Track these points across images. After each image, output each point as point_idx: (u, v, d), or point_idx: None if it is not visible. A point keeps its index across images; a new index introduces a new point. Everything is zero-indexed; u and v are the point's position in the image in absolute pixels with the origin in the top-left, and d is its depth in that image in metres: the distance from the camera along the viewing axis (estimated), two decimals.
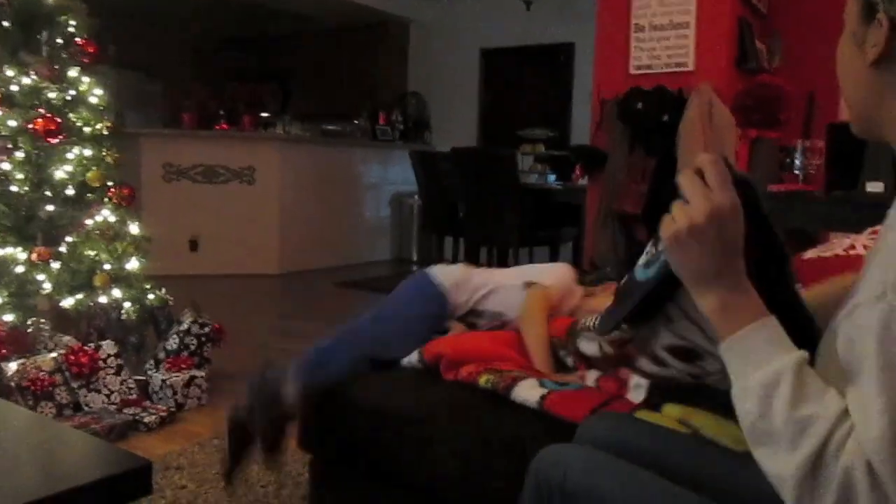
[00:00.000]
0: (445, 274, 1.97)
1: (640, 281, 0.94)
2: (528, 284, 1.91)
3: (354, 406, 1.66)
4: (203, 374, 2.87)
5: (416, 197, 6.52)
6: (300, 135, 7.49)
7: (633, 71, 4.21)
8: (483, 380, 1.58)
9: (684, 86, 3.97)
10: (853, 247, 1.65)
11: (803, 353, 0.74)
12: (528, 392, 1.51)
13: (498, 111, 7.49)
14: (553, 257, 5.23)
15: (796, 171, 2.64)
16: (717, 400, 0.92)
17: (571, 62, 6.97)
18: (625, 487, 0.94)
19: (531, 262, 5.72)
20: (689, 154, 3.78)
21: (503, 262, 5.54)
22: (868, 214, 1.82)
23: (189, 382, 2.80)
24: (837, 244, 1.71)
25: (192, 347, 2.96)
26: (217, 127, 6.71)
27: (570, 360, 1.73)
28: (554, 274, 1.98)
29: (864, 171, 2.36)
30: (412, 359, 1.73)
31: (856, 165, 2.39)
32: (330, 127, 7.86)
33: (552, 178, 6.18)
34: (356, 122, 7.60)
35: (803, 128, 3.63)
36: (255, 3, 7.28)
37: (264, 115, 7.93)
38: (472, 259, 5.51)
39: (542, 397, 1.47)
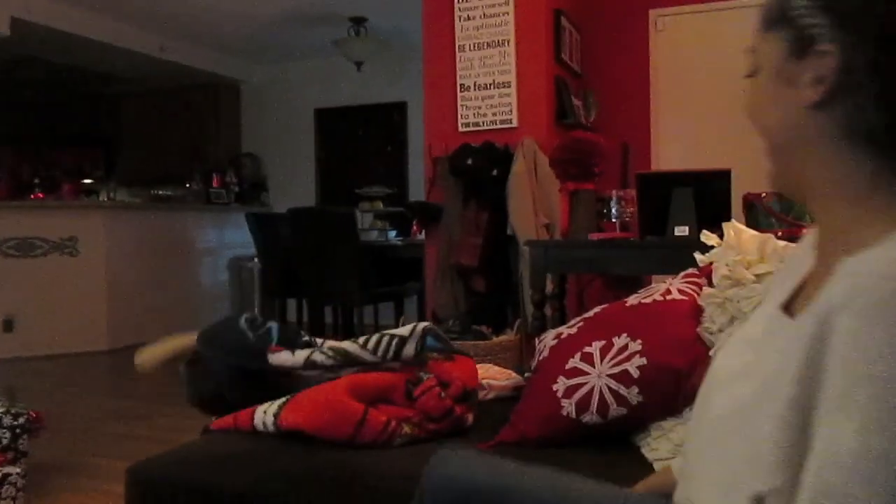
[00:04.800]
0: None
1: None
2: None
3: (187, 488, 1.55)
4: (18, 470, 2.60)
5: (256, 260, 6.36)
6: (127, 201, 7.13)
7: (461, 129, 4.37)
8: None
9: (510, 141, 4.17)
10: (669, 291, 1.72)
11: None
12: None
13: (335, 170, 7.51)
14: (398, 312, 5.25)
15: (614, 220, 2.82)
16: None
17: (405, 120, 7.14)
18: None
19: (377, 318, 5.72)
20: (519, 206, 3.95)
21: (349, 321, 5.49)
22: (677, 256, 1.97)
23: (1, 481, 2.52)
24: (655, 289, 1.77)
25: (5, 441, 2.67)
26: (33, 196, 6.26)
27: None
28: None
29: (670, 217, 2.56)
30: (266, 423, 1.64)
31: (664, 212, 2.59)
32: (160, 192, 7.54)
33: (393, 234, 6.25)
34: (188, 185, 7.34)
35: (621, 178, 3.89)
36: (71, 65, 6.92)
37: (87, 181, 7.49)
38: (318, 319, 5.42)
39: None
